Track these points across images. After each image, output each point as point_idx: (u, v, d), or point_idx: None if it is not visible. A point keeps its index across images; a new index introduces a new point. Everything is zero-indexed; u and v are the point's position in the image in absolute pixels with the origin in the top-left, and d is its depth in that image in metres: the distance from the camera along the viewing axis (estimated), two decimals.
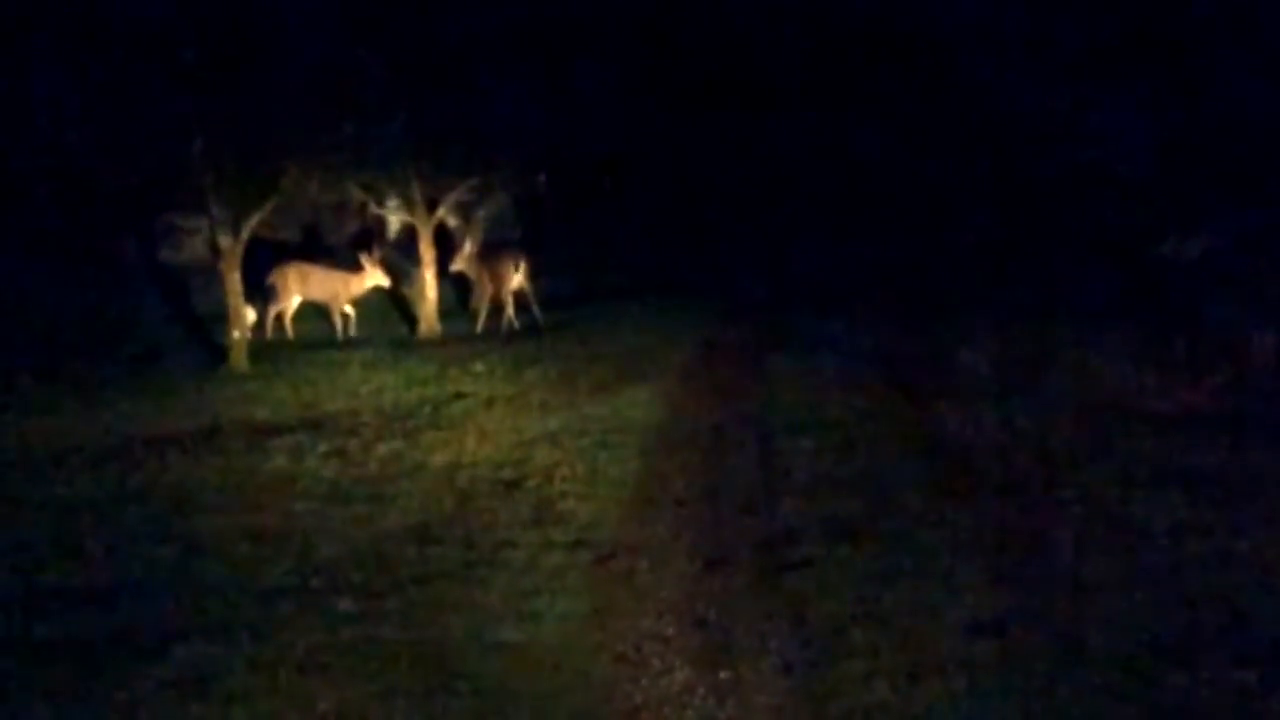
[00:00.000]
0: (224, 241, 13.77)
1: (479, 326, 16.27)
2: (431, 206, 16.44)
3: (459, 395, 11.96)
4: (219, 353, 14.11)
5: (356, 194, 17.07)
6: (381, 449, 9.92)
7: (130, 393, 12.42)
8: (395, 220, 19.77)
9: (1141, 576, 6.63)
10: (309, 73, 13.17)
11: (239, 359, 13.64)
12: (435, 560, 7.30)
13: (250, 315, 14.75)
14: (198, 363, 14.14)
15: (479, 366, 13.37)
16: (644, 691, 5.62)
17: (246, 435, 10.50)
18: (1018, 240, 20.43)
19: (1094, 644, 5.83)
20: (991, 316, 14.67)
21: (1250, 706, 5.27)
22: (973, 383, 11.71)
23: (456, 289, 17.80)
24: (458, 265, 16.78)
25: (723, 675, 5.74)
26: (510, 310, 16.24)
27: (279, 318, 16.23)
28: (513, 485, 8.84)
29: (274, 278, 16.02)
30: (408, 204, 16.64)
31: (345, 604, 6.63)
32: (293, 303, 16.20)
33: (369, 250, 16.79)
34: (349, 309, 16.22)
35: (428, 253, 16.23)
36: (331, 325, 16.15)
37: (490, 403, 11.59)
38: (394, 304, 17.74)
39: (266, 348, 14.99)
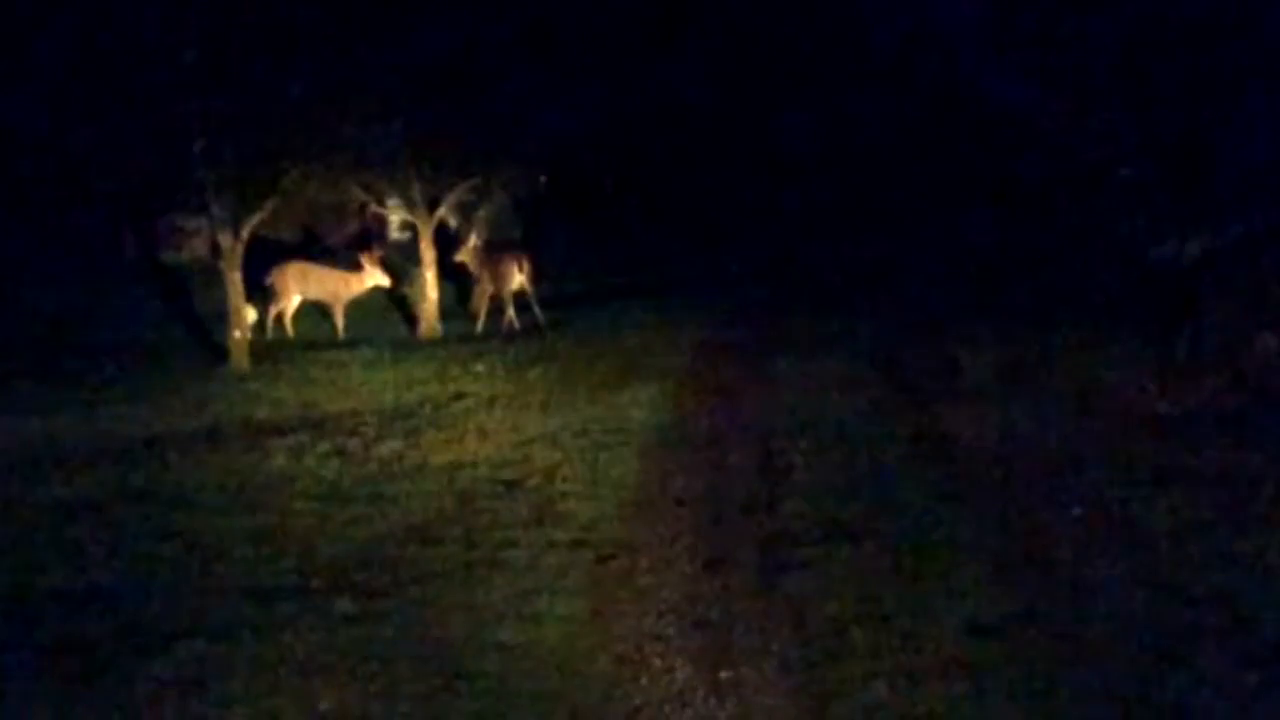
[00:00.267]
0: (225, 241, 13.77)
1: (479, 326, 16.27)
2: (432, 206, 16.44)
3: (460, 395, 11.96)
4: (220, 352, 14.11)
5: (357, 194, 17.08)
6: (382, 449, 9.92)
7: (131, 393, 12.42)
8: (396, 220, 19.78)
9: (1142, 577, 6.63)
10: (310, 73, 13.17)
11: (240, 359, 13.65)
12: (436, 560, 7.30)
13: (251, 315, 14.75)
14: (198, 362, 14.15)
15: (480, 366, 13.37)
16: (644, 692, 5.62)
17: (247, 435, 10.51)
18: (1018, 241, 20.44)
19: (1095, 645, 5.83)
20: (992, 317, 14.68)
21: (1251, 708, 5.27)
22: (973, 383, 11.71)
23: (457, 289, 17.80)
24: (461, 256, 16.79)
25: (723, 676, 5.74)
26: (511, 310, 16.24)
27: (279, 317, 16.23)
28: (513, 485, 8.84)
29: (274, 277, 16.03)
30: (408, 204, 16.64)
31: (346, 604, 6.63)
32: (293, 302, 16.20)
33: (369, 250, 16.80)
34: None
35: (428, 253, 16.24)
36: (332, 325, 16.15)
37: (491, 403, 11.59)
38: (394, 304, 17.74)
39: (267, 347, 14.99)
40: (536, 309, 16.24)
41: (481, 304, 16.53)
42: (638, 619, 6.44)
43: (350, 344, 15.37)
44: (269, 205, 13.83)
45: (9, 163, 14.37)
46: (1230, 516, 7.50)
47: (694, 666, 5.84)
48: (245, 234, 13.74)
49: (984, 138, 22.79)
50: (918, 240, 22.31)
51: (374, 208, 18.10)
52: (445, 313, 16.50)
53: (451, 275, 17.22)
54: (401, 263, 18.00)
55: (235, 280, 13.75)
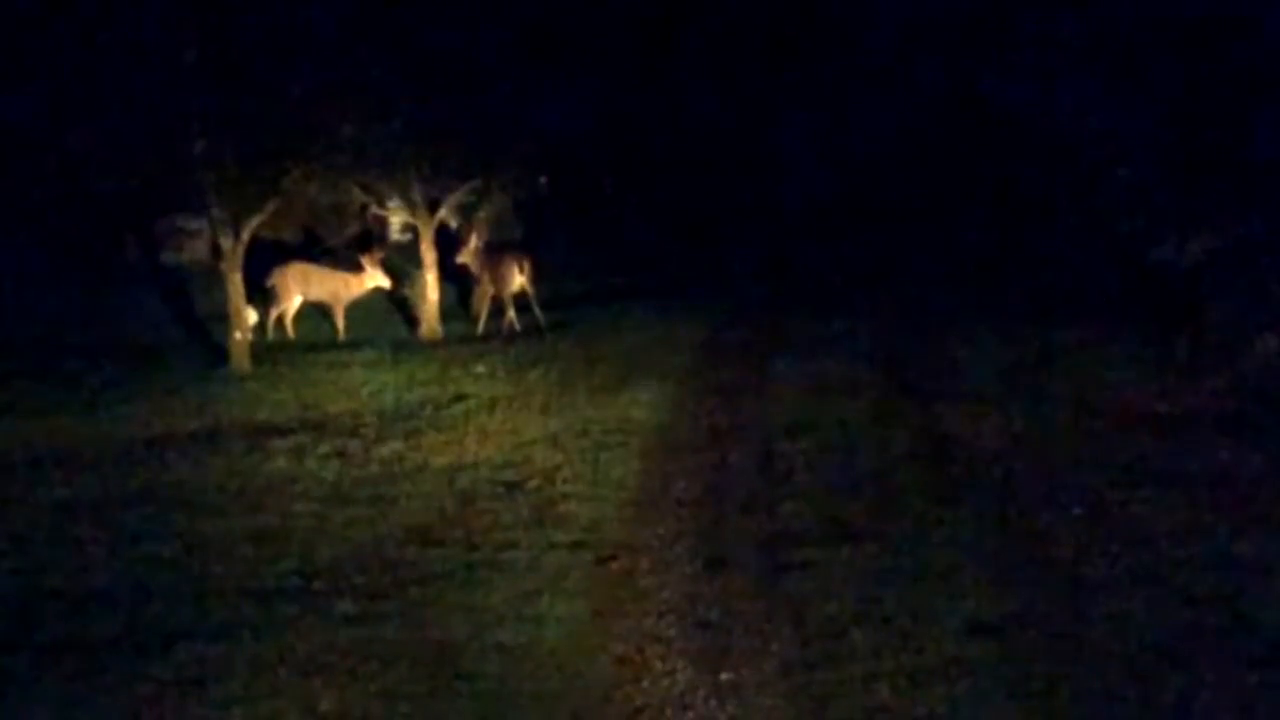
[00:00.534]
0: (225, 242, 13.76)
1: (480, 328, 16.26)
2: (433, 208, 16.43)
3: (460, 397, 11.96)
4: (220, 354, 14.11)
5: (357, 195, 17.06)
6: (383, 450, 9.92)
7: (131, 394, 12.42)
8: (396, 222, 19.76)
9: (1142, 578, 6.63)
10: (310, 73, 13.17)
11: (240, 360, 13.64)
12: (436, 561, 7.31)
13: (251, 316, 14.74)
14: (199, 364, 14.14)
15: (480, 368, 13.37)
16: (645, 693, 5.63)
17: (248, 436, 10.50)
18: (1018, 241, 20.43)
19: (1094, 645, 5.84)
20: (992, 317, 14.68)
21: (1251, 708, 5.27)
22: (974, 384, 11.71)
23: (458, 290, 17.80)
24: (463, 258, 16.78)
25: (724, 677, 5.74)
26: (511, 312, 16.23)
27: (280, 319, 16.23)
28: (514, 486, 8.84)
29: (275, 279, 16.01)
30: (409, 205, 16.63)
31: (346, 605, 6.64)
32: (294, 303, 16.19)
33: (370, 251, 16.79)
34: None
35: (429, 254, 16.22)
36: (333, 326, 16.15)
37: (491, 404, 11.58)
38: (395, 305, 17.75)
39: (268, 349, 14.98)
40: (537, 310, 16.22)
41: (482, 305, 16.52)
42: (638, 620, 6.44)
43: (351, 345, 15.36)
44: (269, 206, 13.82)
45: (9, 164, 14.36)
46: (1230, 517, 7.50)
47: (694, 667, 5.85)
48: (246, 235, 13.73)
49: (984, 138, 22.78)
50: (918, 240, 22.29)
51: (374, 209, 18.09)
52: (446, 314, 16.48)
53: (452, 276, 17.21)
54: (402, 264, 17.99)
55: (236, 281, 13.74)
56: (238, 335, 13.73)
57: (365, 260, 16.29)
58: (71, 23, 12.55)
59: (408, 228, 18.73)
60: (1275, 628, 5.97)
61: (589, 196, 24.72)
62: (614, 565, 7.24)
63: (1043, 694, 5.40)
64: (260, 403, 12.01)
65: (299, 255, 17.52)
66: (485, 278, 16.48)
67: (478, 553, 7.45)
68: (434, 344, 15.46)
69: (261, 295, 15.77)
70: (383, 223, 20.07)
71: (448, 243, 17.28)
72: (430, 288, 16.10)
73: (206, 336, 15.52)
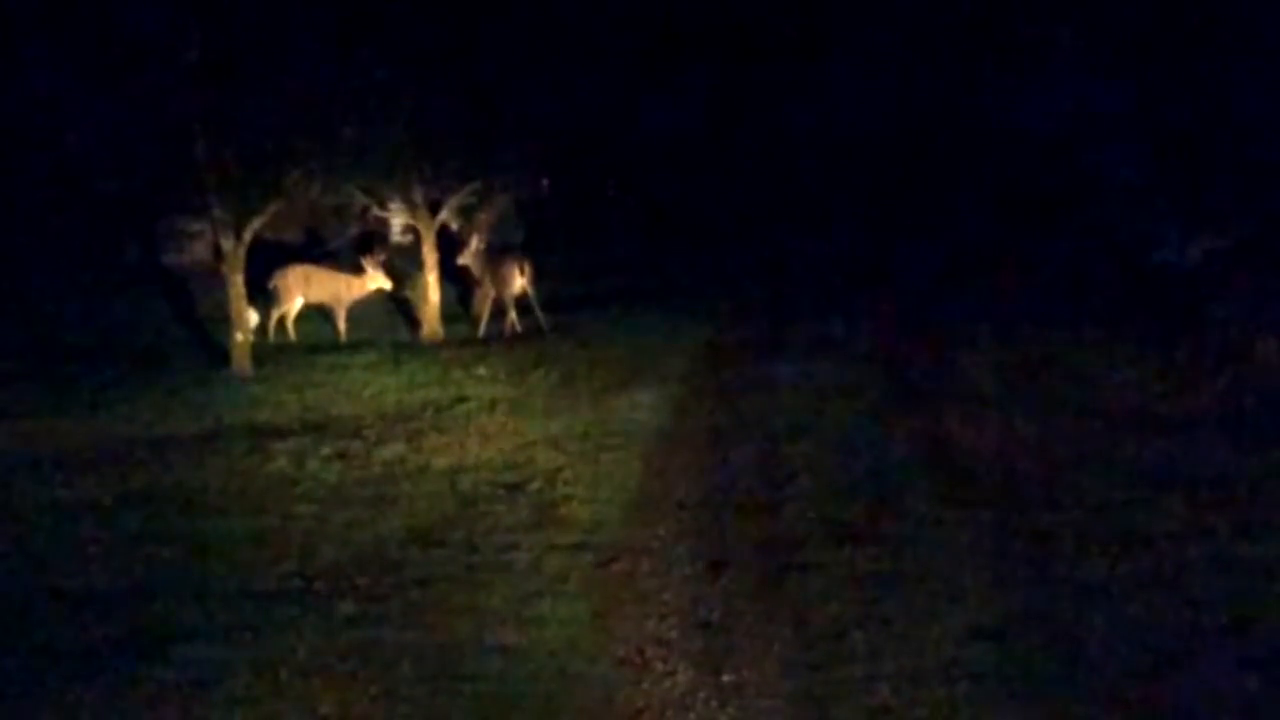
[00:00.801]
0: (226, 244, 13.77)
1: (481, 329, 16.27)
2: (434, 210, 16.44)
3: (461, 398, 11.97)
4: (221, 355, 14.11)
5: (359, 197, 17.07)
6: (384, 452, 9.93)
7: (133, 395, 12.43)
8: (398, 223, 19.76)
9: (1143, 580, 6.63)
10: (311, 75, 13.18)
11: (242, 361, 13.64)
12: (437, 563, 7.31)
13: (253, 318, 14.75)
14: (200, 365, 14.15)
15: (481, 369, 13.37)
16: (646, 694, 5.63)
17: (249, 438, 10.51)
18: (1019, 243, 20.43)
19: (1095, 648, 5.83)
20: (993, 319, 14.67)
21: (1252, 711, 5.27)
22: (974, 386, 11.70)
23: (459, 292, 17.81)
24: (464, 260, 16.80)
25: (725, 678, 5.75)
26: (513, 313, 16.23)
27: (281, 320, 16.24)
28: (515, 488, 8.84)
29: (276, 280, 16.02)
30: (410, 207, 16.64)
31: (347, 606, 6.64)
32: (295, 305, 16.20)
33: (370, 253, 16.80)
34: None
35: (430, 256, 16.23)
36: (334, 328, 16.16)
37: (493, 406, 11.59)
38: (397, 307, 17.75)
39: (269, 350, 14.99)
40: (539, 312, 16.23)
41: (483, 307, 16.52)
42: (639, 622, 6.44)
43: (352, 347, 15.36)
44: (271, 208, 13.82)
45: (10, 165, 14.37)
46: (1231, 520, 7.49)
47: (696, 669, 5.85)
48: (247, 237, 13.74)
49: (985, 138, 22.80)
50: (919, 242, 22.30)
51: (376, 211, 18.09)
52: (447, 316, 16.49)
53: (453, 278, 17.22)
54: (403, 266, 18.00)
55: (237, 283, 13.74)
56: (239, 337, 13.74)
57: (366, 262, 16.31)
58: (72, 23, 12.55)
59: (409, 229, 18.73)
60: (1276, 630, 5.96)
61: (590, 198, 24.73)
62: (615, 567, 7.24)
63: (1043, 697, 5.40)
64: (261, 404, 12.02)
65: (300, 257, 17.54)
66: (486, 279, 16.48)
67: (479, 554, 7.45)
68: (435, 346, 15.47)
69: (263, 297, 15.77)
70: (384, 224, 20.08)
71: (449, 244, 17.29)
72: (431, 289, 16.10)
73: (208, 338, 15.53)
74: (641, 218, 24.73)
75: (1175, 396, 10.74)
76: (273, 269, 16.02)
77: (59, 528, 8.15)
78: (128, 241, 20.04)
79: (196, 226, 19.04)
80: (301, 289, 16.12)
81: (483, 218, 17.64)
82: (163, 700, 5.58)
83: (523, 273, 16.05)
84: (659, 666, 5.90)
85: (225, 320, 14.15)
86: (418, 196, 16.11)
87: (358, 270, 16.34)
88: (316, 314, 16.55)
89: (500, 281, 16.18)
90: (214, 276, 15.86)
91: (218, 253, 14.32)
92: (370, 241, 19.27)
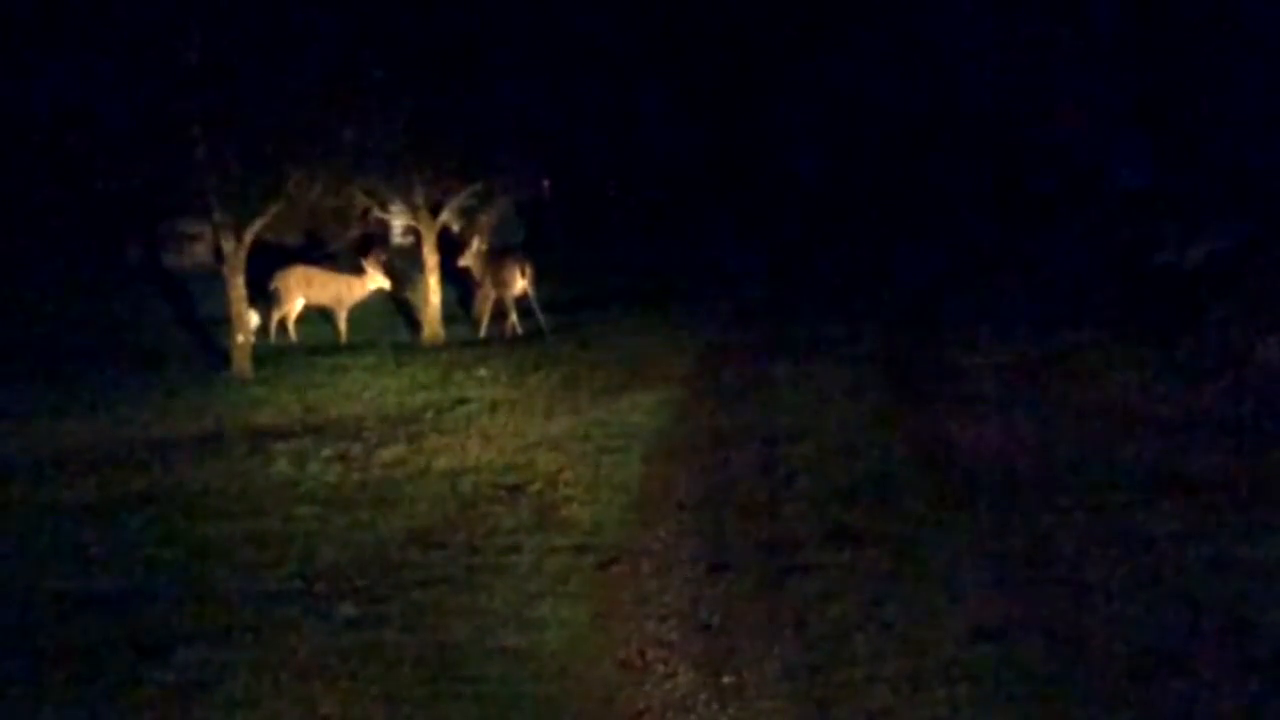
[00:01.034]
0: (227, 246, 13.77)
1: (482, 331, 16.28)
2: (435, 211, 16.44)
3: (462, 400, 11.97)
4: (222, 357, 14.12)
5: (360, 199, 17.08)
6: (384, 454, 9.93)
7: (133, 397, 12.43)
8: (399, 225, 19.77)
9: (1143, 582, 6.63)
10: (312, 76, 13.18)
11: (242, 363, 13.64)
12: (438, 565, 7.31)
13: (254, 319, 14.75)
14: (201, 367, 14.15)
15: (482, 371, 13.38)
16: (647, 696, 5.63)
17: (249, 440, 10.51)
18: (1020, 244, 20.45)
19: (1095, 649, 5.83)
20: (994, 320, 14.68)
21: (1252, 713, 5.27)
22: (975, 388, 11.70)
23: (460, 294, 17.82)
24: (465, 261, 16.81)
25: (726, 680, 5.75)
26: (514, 315, 16.24)
27: (282, 322, 16.24)
28: (516, 490, 8.84)
29: (277, 282, 16.03)
30: (411, 209, 16.65)
31: (348, 608, 6.64)
32: (296, 307, 16.21)
33: (369, 253, 16.80)
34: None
35: (431, 257, 16.24)
36: (335, 329, 16.16)
37: (493, 407, 11.59)
38: (397, 309, 17.76)
39: (270, 352, 15.00)
40: (539, 313, 16.24)
41: (484, 308, 16.53)
42: (640, 623, 6.44)
43: (353, 349, 15.37)
44: (272, 210, 13.83)
45: (11, 166, 14.38)
46: (1232, 521, 7.49)
47: (696, 671, 5.85)
48: (248, 238, 13.74)
49: (986, 140, 22.82)
50: (919, 243, 22.32)
51: (377, 212, 18.10)
52: (448, 317, 16.50)
53: (454, 280, 17.23)
54: (404, 267, 18.01)
55: (238, 285, 13.75)
56: (240, 338, 13.74)
57: (366, 262, 16.32)
58: (73, 23, 12.56)
59: (410, 231, 18.74)
60: (1277, 632, 5.96)
61: (591, 200, 24.76)
62: (616, 569, 7.24)
63: (1044, 698, 5.40)
64: (262, 406, 12.02)
65: (301, 258, 17.55)
66: (487, 281, 16.49)
67: (479, 556, 7.45)
68: (436, 347, 15.47)
69: (263, 299, 15.78)
70: (385, 226, 20.09)
71: (450, 246, 17.31)
72: (432, 291, 16.11)
73: (208, 340, 15.54)
74: (642, 219, 24.75)
75: (1176, 398, 10.74)
76: (273, 271, 16.03)
77: (59, 529, 8.15)
78: (128, 243, 20.07)
79: (197, 228, 19.07)
80: (302, 291, 16.13)
81: (483, 219, 17.65)
82: (163, 702, 5.58)
83: (523, 274, 16.06)
84: (660, 668, 5.90)
85: (226, 322, 14.16)
86: (419, 198, 16.12)
87: (358, 272, 16.35)
88: (317, 315, 16.56)
89: (501, 283, 16.18)
90: (215, 278, 15.86)
91: (218, 254, 14.33)
92: (371, 243, 19.30)
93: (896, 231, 23.37)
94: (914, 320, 15.84)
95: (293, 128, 13.09)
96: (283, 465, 9.65)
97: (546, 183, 21.55)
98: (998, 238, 21.21)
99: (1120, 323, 13.80)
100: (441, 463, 9.63)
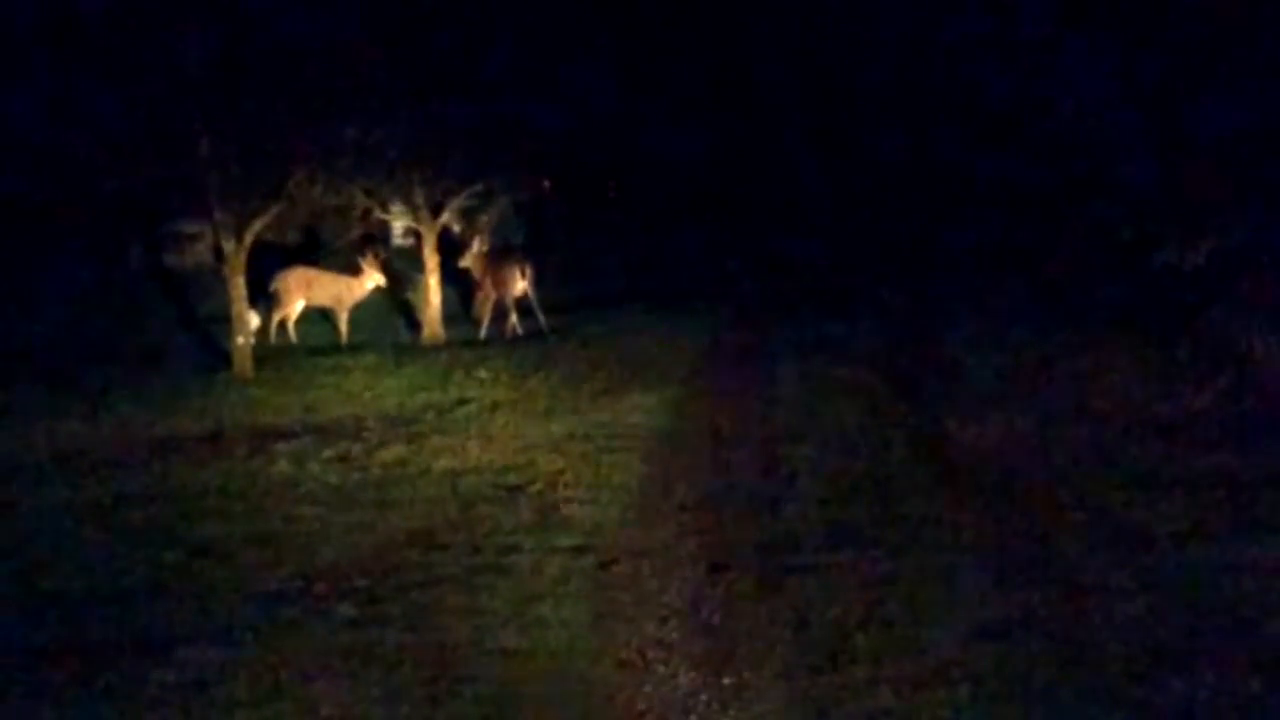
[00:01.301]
0: (228, 246, 13.79)
1: (482, 332, 16.28)
2: (435, 212, 16.45)
3: (463, 400, 11.98)
4: (223, 357, 14.13)
5: (360, 199, 17.08)
6: (385, 454, 9.93)
7: (134, 397, 12.44)
8: (399, 226, 19.78)
9: (1144, 582, 6.62)
10: (313, 76, 13.19)
11: (243, 364, 13.65)
12: (438, 565, 7.31)
13: (254, 320, 14.77)
14: (202, 367, 14.16)
15: (483, 372, 13.38)
16: (647, 697, 5.62)
17: (250, 440, 10.52)
18: (1020, 244, 20.42)
19: (1097, 649, 5.83)
20: (995, 321, 14.67)
21: (1253, 713, 5.26)
22: (975, 387, 11.70)
23: (460, 294, 17.82)
24: (465, 262, 16.82)
25: (726, 681, 5.74)
26: (514, 315, 16.25)
27: (282, 323, 16.25)
28: (516, 490, 8.84)
29: (278, 283, 16.04)
30: (412, 209, 16.66)
31: (348, 609, 6.64)
32: (296, 307, 16.21)
33: (366, 251, 16.79)
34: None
35: (431, 258, 16.25)
36: (336, 330, 16.17)
37: (494, 408, 11.60)
38: (398, 309, 17.76)
39: (270, 353, 15.01)
40: (540, 314, 16.25)
41: (484, 309, 16.54)
42: (640, 624, 6.44)
43: (353, 349, 15.39)
44: (272, 210, 13.85)
45: (12, 166, 14.39)
46: (1233, 521, 7.49)
47: (697, 672, 5.84)
48: (248, 239, 13.76)
49: (985, 140, 22.79)
50: (918, 242, 22.32)
51: (378, 213, 18.11)
52: (448, 318, 16.51)
53: (454, 280, 17.24)
54: (405, 268, 18.02)
55: (238, 285, 13.76)
56: (240, 339, 13.75)
57: (362, 262, 16.32)
58: (74, 25, 12.57)
59: (410, 232, 18.75)
60: (1278, 633, 5.96)
61: (591, 200, 24.76)
62: (616, 569, 7.24)
63: (1046, 699, 5.40)
64: (263, 406, 12.03)
65: (301, 259, 17.56)
66: (487, 282, 16.51)
67: (480, 556, 7.45)
68: (436, 348, 15.49)
69: (264, 299, 15.79)
70: (385, 226, 20.08)
71: (450, 247, 17.32)
72: (433, 292, 16.13)
73: (209, 340, 15.55)
74: (642, 220, 24.75)
75: (1176, 397, 10.74)
76: (274, 271, 16.04)
77: (61, 529, 8.15)
78: (129, 243, 20.08)
79: (198, 228, 19.09)
80: (303, 292, 16.14)
81: (484, 220, 17.66)
82: (164, 702, 5.57)
83: (524, 275, 16.07)
84: (660, 669, 5.90)
85: (226, 322, 14.17)
86: (419, 199, 16.13)
87: (357, 272, 16.36)
88: (317, 316, 16.56)
89: (501, 283, 16.20)
90: (215, 278, 15.88)
91: (219, 255, 14.34)
92: (371, 244, 19.30)
93: (896, 230, 23.36)
94: (913, 319, 15.84)
95: (293, 128, 13.10)
96: (283, 465, 9.66)
97: (547, 183, 21.54)
98: (997, 236, 21.18)
99: (1120, 321, 13.79)
100: (442, 463, 9.63)
